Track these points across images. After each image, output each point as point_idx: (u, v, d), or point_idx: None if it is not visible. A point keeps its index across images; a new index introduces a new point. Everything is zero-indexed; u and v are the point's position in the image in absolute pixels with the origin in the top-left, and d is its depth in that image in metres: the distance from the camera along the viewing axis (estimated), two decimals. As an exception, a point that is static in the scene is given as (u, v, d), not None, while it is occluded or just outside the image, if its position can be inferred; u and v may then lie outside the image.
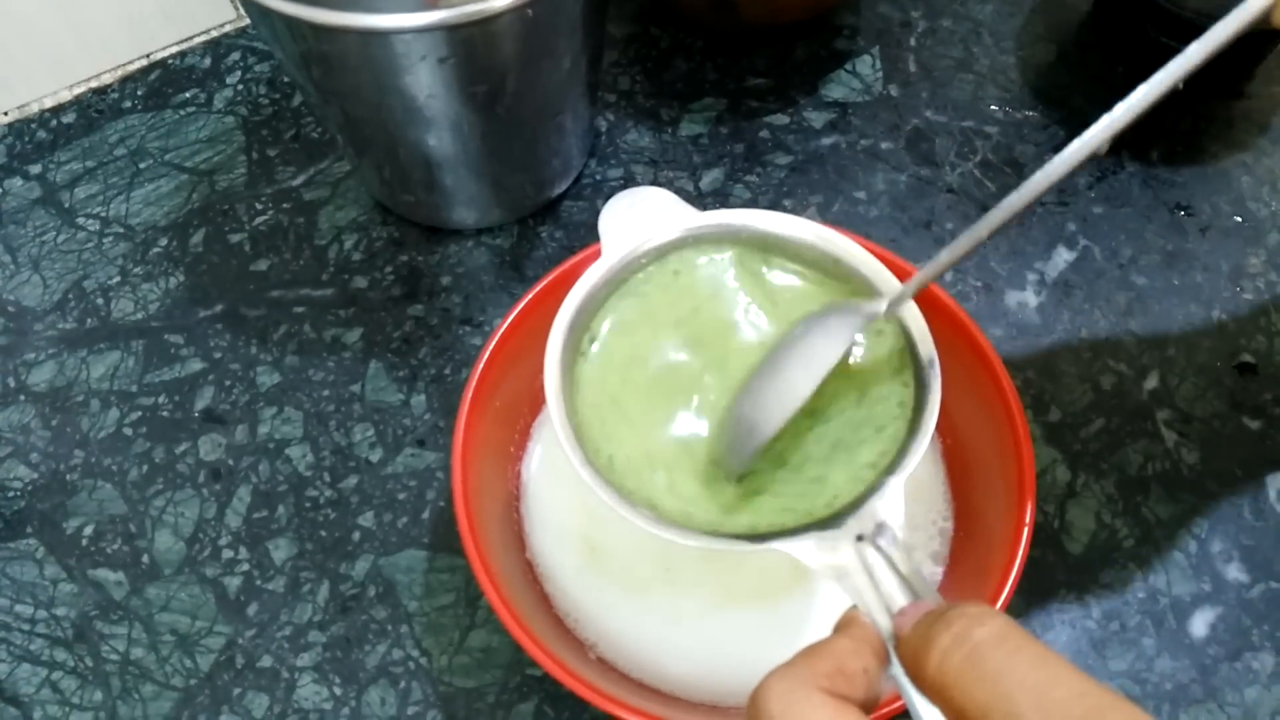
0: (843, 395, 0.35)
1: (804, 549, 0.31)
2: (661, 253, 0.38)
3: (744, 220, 0.38)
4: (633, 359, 0.37)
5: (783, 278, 0.38)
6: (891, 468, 0.33)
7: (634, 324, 0.37)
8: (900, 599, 0.28)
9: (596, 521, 0.44)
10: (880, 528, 0.31)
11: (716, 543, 0.32)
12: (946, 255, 0.32)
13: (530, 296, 0.44)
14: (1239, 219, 0.57)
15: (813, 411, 0.35)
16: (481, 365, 0.42)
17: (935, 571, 0.44)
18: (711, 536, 0.32)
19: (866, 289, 0.36)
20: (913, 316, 0.35)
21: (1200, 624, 0.46)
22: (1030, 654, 0.22)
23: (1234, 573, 0.47)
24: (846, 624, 0.27)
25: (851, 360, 0.36)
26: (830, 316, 0.35)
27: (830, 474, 0.34)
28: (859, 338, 0.36)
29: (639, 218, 0.38)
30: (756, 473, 0.35)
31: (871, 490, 0.32)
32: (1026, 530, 0.38)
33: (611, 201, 0.39)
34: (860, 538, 0.30)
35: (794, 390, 0.32)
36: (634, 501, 0.33)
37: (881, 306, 0.35)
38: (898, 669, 0.25)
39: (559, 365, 0.35)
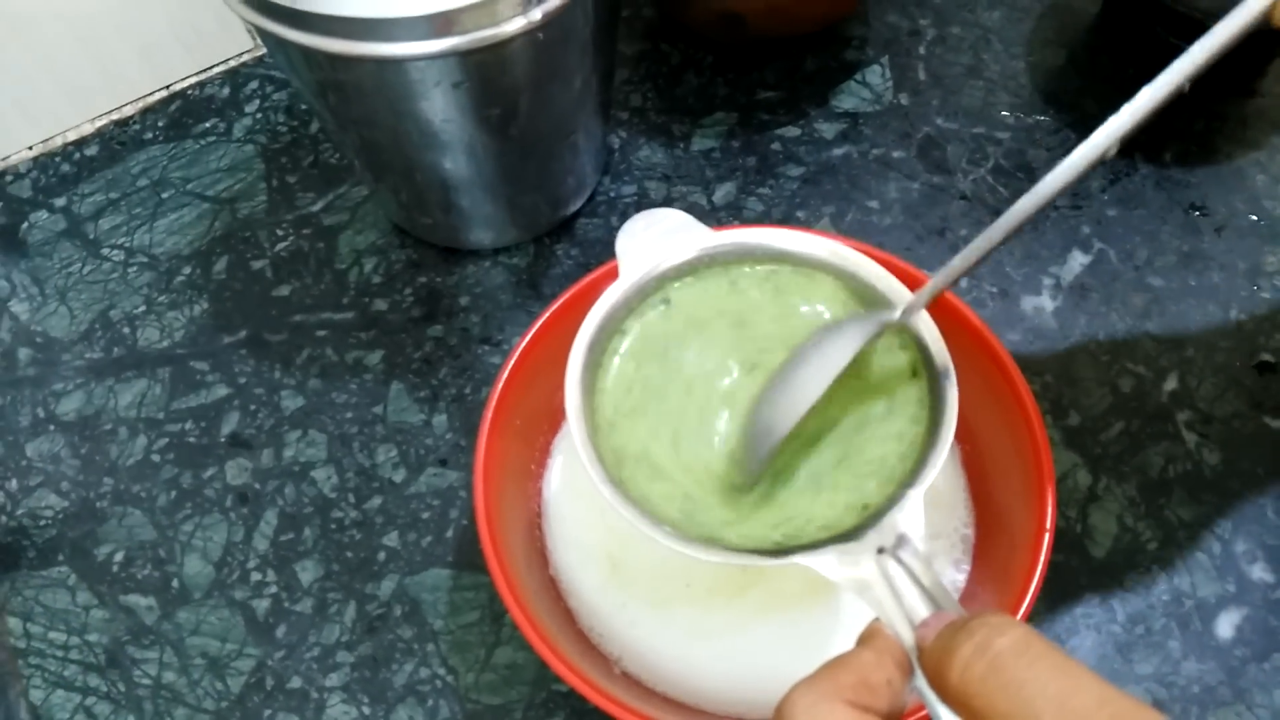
0: (859, 407, 0.36)
1: (825, 563, 0.31)
2: (680, 272, 0.38)
3: (759, 239, 0.38)
4: (652, 377, 0.37)
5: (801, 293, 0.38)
6: (911, 479, 0.33)
7: (654, 343, 0.38)
8: (922, 610, 0.28)
9: (618, 537, 0.44)
10: (901, 540, 0.31)
11: (737, 558, 0.32)
12: (959, 262, 0.32)
13: (548, 315, 0.44)
14: (1255, 218, 0.57)
15: (830, 424, 0.35)
16: (501, 384, 0.43)
17: (958, 578, 0.44)
18: (733, 552, 0.33)
19: (882, 302, 0.36)
20: (927, 327, 0.35)
21: (1226, 625, 0.46)
22: (1051, 663, 0.22)
23: (1259, 573, 0.47)
24: (870, 636, 0.28)
25: (867, 372, 0.36)
26: (844, 323, 0.35)
27: (849, 487, 0.34)
28: (876, 345, 0.36)
29: (655, 238, 0.39)
30: (775, 486, 0.35)
31: (891, 503, 0.33)
32: (1048, 535, 0.38)
33: (628, 224, 0.39)
34: (881, 550, 0.31)
35: (805, 391, 0.33)
36: (655, 518, 0.34)
37: (896, 314, 0.35)
38: (921, 680, 0.26)
39: (579, 385, 0.36)
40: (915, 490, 0.32)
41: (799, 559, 0.31)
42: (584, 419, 0.35)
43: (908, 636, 0.27)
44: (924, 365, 0.35)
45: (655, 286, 0.38)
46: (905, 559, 0.30)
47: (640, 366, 0.37)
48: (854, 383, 0.36)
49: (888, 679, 0.26)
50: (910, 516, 0.32)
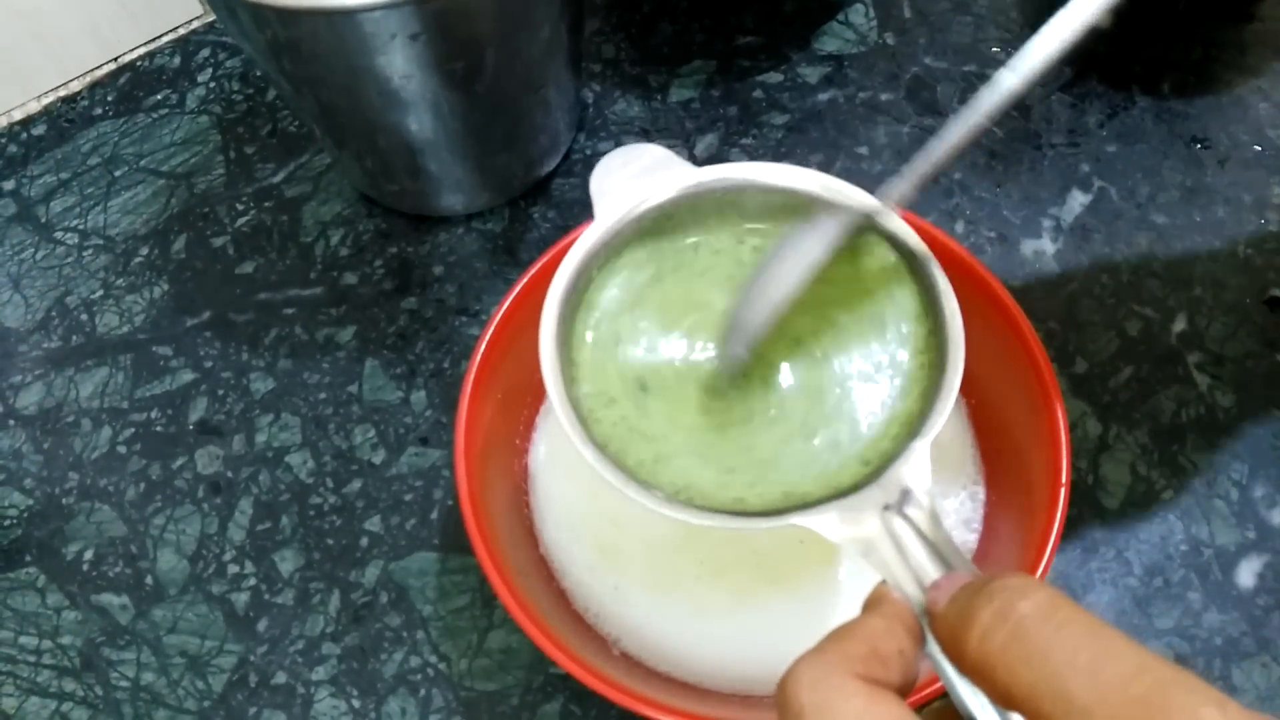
0: (856, 353, 0.33)
1: (826, 522, 0.29)
2: (662, 214, 0.36)
3: (746, 174, 0.35)
4: (633, 332, 0.35)
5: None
6: (915, 431, 0.31)
7: (635, 294, 0.35)
8: (932, 571, 0.26)
9: (608, 513, 0.42)
10: (906, 495, 0.29)
11: (732, 521, 0.30)
12: (938, 146, 0.30)
13: (525, 281, 0.42)
14: (1258, 148, 0.55)
15: (827, 373, 0.33)
16: (479, 356, 0.40)
17: (969, 539, 0.42)
18: (726, 515, 0.30)
19: (884, 240, 0.34)
20: (935, 271, 0.33)
21: (1247, 574, 0.44)
22: (1080, 627, 0.20)
23: (1279, 518, 0.45)
24: (877, 601, 0.25)
25: (867, 315, 0.34)
26: (819, 217, 0.33)
27: (849, 438, 0.32)
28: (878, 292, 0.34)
29: (633, 176, 0.36)
30: (768, 435, 0.33)
31: (895, 456, 0.30)
32: (1064, 490, 0.36)
33: (603, 161, 0.36)
34: (886, 507, 0.28)
35: (780, 284, 0.31)
36: (643, 482, 0.31)
37: (874, 204, 0.33)
38: (934, 648, 0.23)
39: (555, 342, 0.33)
40: (920, 442, 0.30)
41: (797, 519, 0.29)
42: (561, 379, 0.33)
43: (918, 599, 0.25)
44: (930, 310, 0.33)
45: (635, 231, 0.36)
46: (912, 516, 0.28)
47: (621, 323, 0.35)
48: (850, 329, 0.34)
49: (899, 648, 0.23)
50: (916, 470, 0.29)
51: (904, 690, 0.23)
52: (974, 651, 0.21)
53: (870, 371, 0.33)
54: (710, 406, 0.33)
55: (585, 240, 0.35)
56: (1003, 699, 0.20)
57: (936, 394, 0.31)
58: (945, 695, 0.23)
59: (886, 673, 0.23)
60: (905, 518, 0.28)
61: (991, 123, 0.30)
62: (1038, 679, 0.20)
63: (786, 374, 0.33)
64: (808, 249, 0.32)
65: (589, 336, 0.35)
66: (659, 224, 0.36)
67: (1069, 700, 0.19)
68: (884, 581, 0.26)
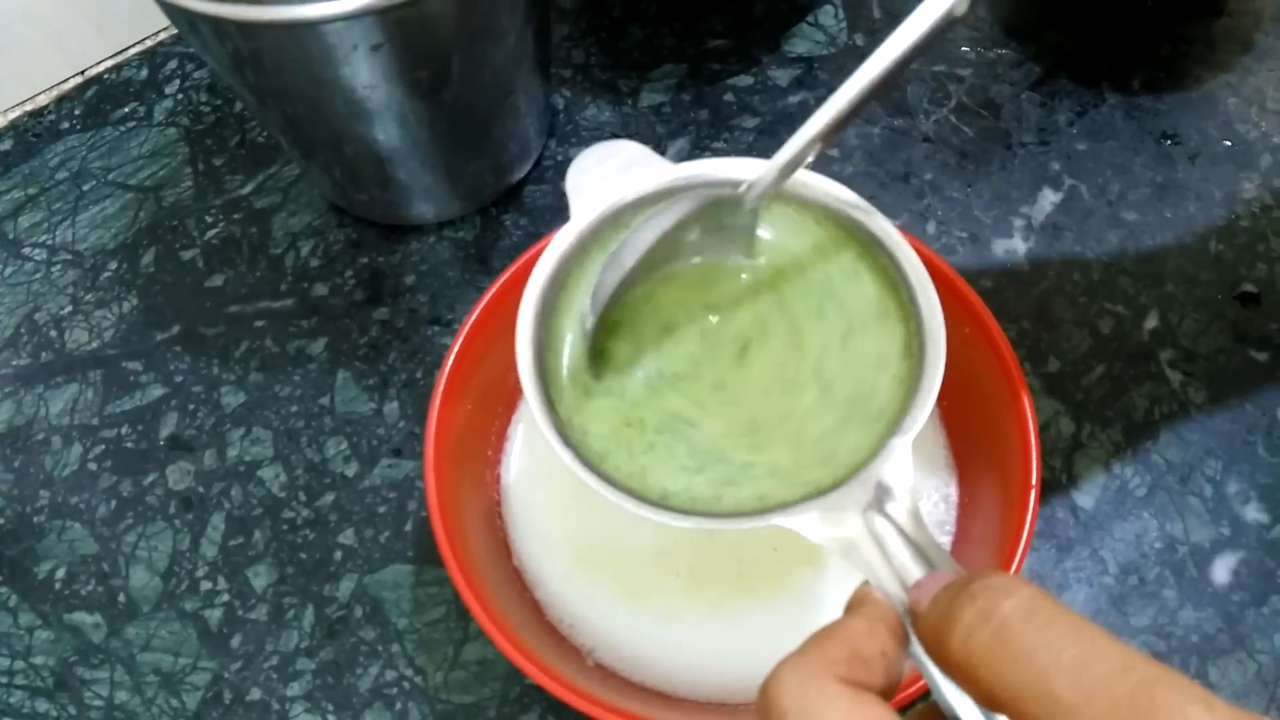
0: (834, 351, 0.33)
1: (806, 522, 0.28)
2: (639, 211, 0.35)
3: (722, 170, 0.35)
4: (613, 329, 0.34)
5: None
6: (896, 428, 0.31)
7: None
8: (915, 570, 0.25)
9: (582, 523, 0.42)
10: (887, 493, 0.28)
11: (710, 522, 0.30)
12: (818, 117, 0.29)
13: (495, 288, 0.42)
14: (1228, 143, 0.55)
15: (806, 372, 0.33)
16: (449, 366, 0.40)
17: (943, 541, 0.42)
18: (706, 516, 0.30)
19: (855, 228, 0.34)
20: (909, 261, 0.33)
21: (1222, 570, 0.44)
22: (1064, 627, 0.20)
23: (1253, 513, 0.45)
24: (859, 602, 0.25)
25: (845, 312, 0.33)
26: (681, 196, 0.33)
27: (828, 439, 0.32)
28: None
29: (610, 173, 0.35)
30: (743, 441, 0.32)
31: (875, 454, 0.30)
32: (1034, 491, 0.36)
33: (579, 159, 0.36)
34: (867, 506, 0.28)
35: (634, 249, 0.32)
36: (625, 488, 0.31)
37: (740, 188, 0.32)
38: (918, 648, 0.23)
39: (531, 345, 0.33)
40: (901, 439, 0.30)
41: (777, 519, 0.29)
42: (538, 382, 0.32)
43: (901, 600, 0.25)
44: (908, 308, 0.33)
45: (612, 228, 0.35)
46: (894, 514, 0.28)
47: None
48: (826, 330, 0.33)
49: (882, 649, 0.23)
50: (898, 468, 0.29)
51: (888, 692, 0.23)
52: (957, 652, 0.21)
53: (850, 368, 0.33)
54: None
55: (561, 240, 0.34)
56: (987, 700, 0.20)
57: (917, 390, 0.31)
58: (929, 694, 0.22)
59: (869, 675, 0.23)
60: (887, 516, 0.28)
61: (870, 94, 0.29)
62: (1022, 679, 0.19)
63: (765, 374, 0.33)
64: (659, 222, 0.33)
65: (568, 338, 0.34)
66: (636, 221, 0.35)
67: (1054, 700, 0.19)
68: (866, 582, 0.26)
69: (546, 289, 0.34)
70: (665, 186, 0.35)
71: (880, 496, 0.28)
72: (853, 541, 0.27)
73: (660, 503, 0.31)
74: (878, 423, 0.32)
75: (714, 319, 0.34)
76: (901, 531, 0.27)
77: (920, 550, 0.26)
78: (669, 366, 0.34)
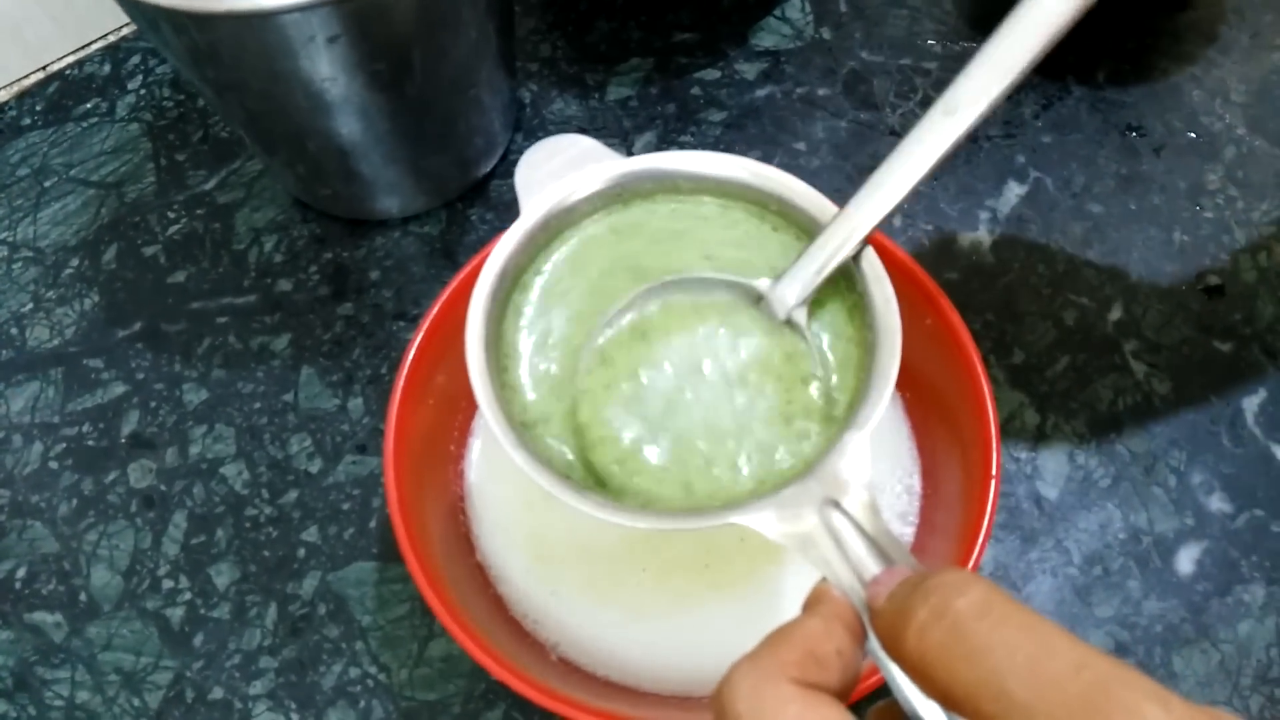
0: (781, 345, 0.33)
1: (763, 520, 0.28)
2: (591, 207, 0.35)
3: (674, 164, 0.35)
4: (566, 328, 0.34)
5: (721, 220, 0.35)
6: (850, 422, 0.30)
7: (565, 288, 0.35)
8: (872, 566, 0.25)
9: (544, 519, 0.42)
10: (844, 488, 0.28)
11: (668, 522, 0.30)
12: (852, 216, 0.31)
13: (457, 282, 0.41)
14: (1193, 135, 0.55)
15: (753, 368, 0.33)
16: (409, 361, 0.40)
17: (906, 532, 0.42)
18: (663, 516, 0.30)
19: (811, 226, 0.34)
20: (867, 258, 0.33)
21: (1186, 560, 0.44)
22: (1018, 623, 0.20)
23: (1217, 504, 0.45)
24: (816, 601, 0.25)
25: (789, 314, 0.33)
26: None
27: (777, 435, 0.32)
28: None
29: (560, 168, 0.35)
30: (700, 437, 0.32)
31: (831, 449, 0.30)
32: (994, 482, 0.36)
33: (528, 154, 0.36)
34: (824, 502, 0.28)
35: None
36: (577, 487, 0.31)
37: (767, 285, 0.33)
38: (875, 644, 0.23)
39: (482, 344, 0.32)
40: (856, 434, 0.30)
41: (734, 518, 0.29)
42: (490, 383, 0.32)
43: (858, 596, 0.24)
44: (857, 298, 0.33)
45: (564, 224, 0.35)
46: (850, 510, 0.27)
47: (553, 316, 0.34)
48: (763, 322, 0.33)
49: (837, 649, 0.23)
50: (853, 463, 0.29)
51: (844, 691, 0.23)
52: (912, 650, 0.21)
53: (803, 367, 0.33)
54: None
55: (509, 238, 0.34)
56: (942, 697, 0.20)
57: (870, 383, 0.31)
58: (887, 688, 0.22)
59: (824, 675, 0.22)
60: (844, 512, 0.27)
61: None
62: (976, 677, 0.19)
63: (709, 370, 0.33)
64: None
65: (521, 339, 0.34)
66: (587, 217, 0.35)
67: (1009, 698, 0.19)
68: (825, 579, 0.26)
69: (496, 287, 0.33)
70: (618, 180, 0.35)
71: (837, 492, 0.28)
72: (810, 538, 0.27)
73: (615, 504, 0.31)
74: (829, 418, 0.32)
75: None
76: (858, 526, 0.27)
77: (877, 545, 0.26)
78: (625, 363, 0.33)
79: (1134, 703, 0.18)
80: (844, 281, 0.33)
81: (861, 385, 0.32)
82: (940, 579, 0.21)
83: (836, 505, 0.28)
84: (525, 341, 0.34)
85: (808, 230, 0.34)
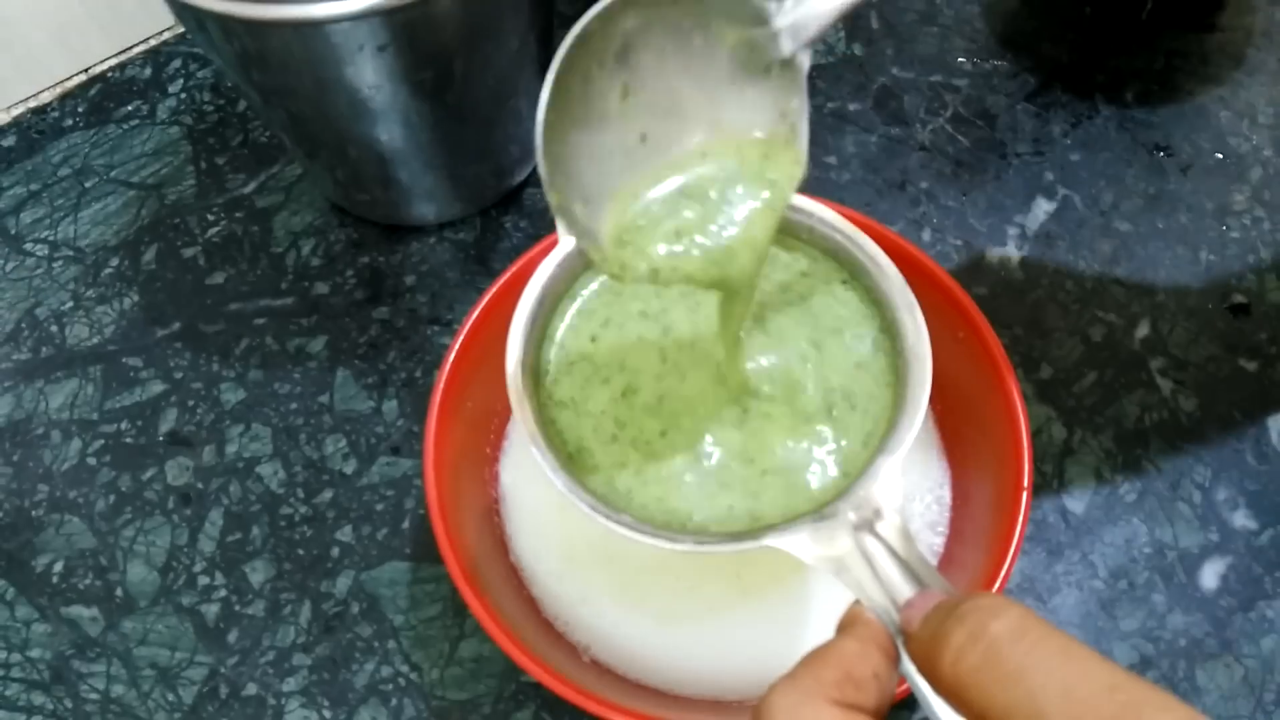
0: (819, 374, 0.33)
1: (798, 543, 0.29)
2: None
3: None
4: (601, 350, 0.35)
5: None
6: (883, 447, 0.31)
7: (599, 309, 0.35)
8: (905, 589, 0.26)
9: (577, 522, 0.42)
10: (877, 513, 0.29)
11: (704, 546, 0.30)
12: None
13: (496, 289, 0.42)
14: (1220, 156, 0.56)
15: (794, 396, 0.33)
16: (448, 366, 0.40)
17: (935, 542, 0.42)
18: (697, 540, 0.30)
19: (844, 254, 0.34)
20: (893, 282, 0.33)
21: (1210, 575, 0.45)
22: (1052, 647, 0.20)
23: (1241, 520, 0.46)
24: (850, 623, 0.25)
25: (827, 333, 0.34)
26: None
27: (816, 459, 0.32)
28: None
29: None
30: (736, 467, 0.33)
31: (865, 473, 0.31)
32: (1025, 494, 0.37)
33: None
34: (857, 526, 0.29)
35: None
36: (615, 508, 0.31)
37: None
38: (909, 666, 0.24)
39: (520, 365, 0.33)
40: (890, 459, 0.30)
41: (770, 541, 0.29)
42: (529, 402, 0.33)
43: (892, 619, 0.25)
44: (888, 322, 0.34)
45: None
46: (884, 534, 0.28)
47: (588, 338, 0.35)
48: (802, 339, 0.34)
49: (874, 671, 0.23)
50: (886, 487, 0.30)
51: (879, 712, 0.23)
52: (948, 674, 0.21)
53: (838, 393, 0.33)
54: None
55: (550, 261, 0.35)
56: (977, 719, 0.21)
57: (903, 410, 0.32)
58: (910, 700, 0.23)
59: (861, 696, 0.23)
60: (877, 536, 0.28)
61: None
62: (1012, 700, 0.20)
63: (753, 399, 0.33)
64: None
65: (552, 357, 0.35)
66: None
67: None
68: (858, 601, 0.26)
69: (535, 309, 0.34)
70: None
71: (870, 516, 0.29)
72: (843, 561, 0.28)
73: (651, 525, 0.31)
74: (865, 443, 0.32)
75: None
76: (891, 550, 0.27)
77: (910, 569, 0.26)
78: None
79: None
80: (875, 303, 0.34)
81: (896, 411, 0.32)
82: (975, 602, 0.22)
83: (870, 529, 0.28)
84: (559, 362, 0.35)
85: (832, 254, 0.35)
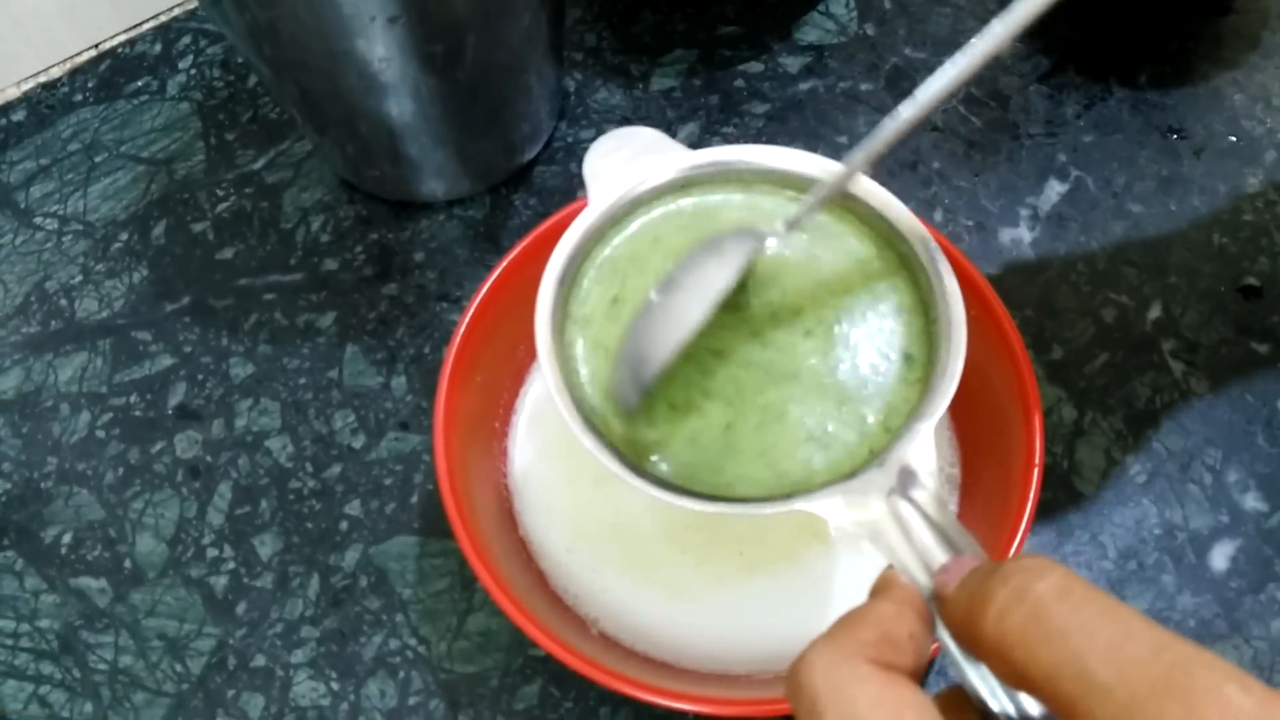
0: (855, 338, 0.33)
1: (831, 507, 0.29)
2: (657, 196, 0.36)
3: (741, 156, 0.36)
4: (624, 308, 0.34)
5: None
6: (919, 412, 0.31)
7: (626, 270, 0.35)
8: (939, 554, 0.25)
9: (585, 497, 0.43)
10: (912, 478, 0.28)
11: (733, 507, 0.30)
12: (873, 142, 0.31)
13: (505, 264, 0.42)
14: (1234, 139, 0.55)
15: (827, 359, 0.33)
16: (458, 340, 0.40)
17: (944, 521, 0.42)
18: (726, 501, 0.30)
19: (882, 225, 0.34)
20: (932, 253, 0.33)
21: (1220, 557, 0.45)
22: (1098, 607, 0.20)
23: (1251, 502, 0.46)
24: (885, 586, 0.25)
25: (864, 298, 0.34)
26: (724, 240, 0.33)
27: (848, 423, 0.32)
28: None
29: (627, 160, 0.36)
30: (766, 424, 0.32)
31: (900, 438, 0.30)
32: (1037, 471, 0.37)
33: (597, 144, 0.36)
34: (891, 491, 0.28)
35: (686, 319, 0.30)
36: (638, 465, 0.31)
37: (779, 229, 0.33)
38: (943, 631, 0.23)
39: (550, 327, 0.33)
40: (925, 424, 0.30)
41: (801, 504, 0.29)
42: (557, 363, 0.33)
43: (925, 584, 0.25)
44: (926, 294, 0.33)
45: (631, 212, 0.35)
46: (918, 499, 0.28)
47: (612, 297, 0.35)
48: (845, 309, 0.34)
49: (910, 632, 0.23)
50: (920, 452, 0.29)
51: (916, 674, 0.23)
52: (990, 633, 0.21)
53: (871, 355, 0.33)
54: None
55: (582, 221, 0.35)
56: (1019, 680, 0.20)
57: (940, 375, 0.31)
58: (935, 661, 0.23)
59: (900, 657, 0.23)
60: (911, 500, 0.28)
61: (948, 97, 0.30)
62: (1057, 659, 0.19)
63: (785, 360, 0.33)
64: (714, 276, 0.31)
65: (580, 327, 0.35)
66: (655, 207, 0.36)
67: (1089, 679, 0.19)
68: (890, 566, 0.26)
69: (565, 269, 0.34)
70: (684, 172, 0.35)
71: (904, 480, 0.28)
72: (876, 525, 0.27)
73: (678, 486, 0.31)
74: (900, 407, 0.32)
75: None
76: (925, 515, 0.27)
77: (944, 534, 0.26)
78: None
79: (1215, 683, 0.18)
80: (912, 272, 0.34)
81: (931, 376, 0.32)
82: (1019, 564, 0.21)
83: (903, 493, 0.28)
84: (585, 322, 0.35)
85: (876, 228, 0.35)
